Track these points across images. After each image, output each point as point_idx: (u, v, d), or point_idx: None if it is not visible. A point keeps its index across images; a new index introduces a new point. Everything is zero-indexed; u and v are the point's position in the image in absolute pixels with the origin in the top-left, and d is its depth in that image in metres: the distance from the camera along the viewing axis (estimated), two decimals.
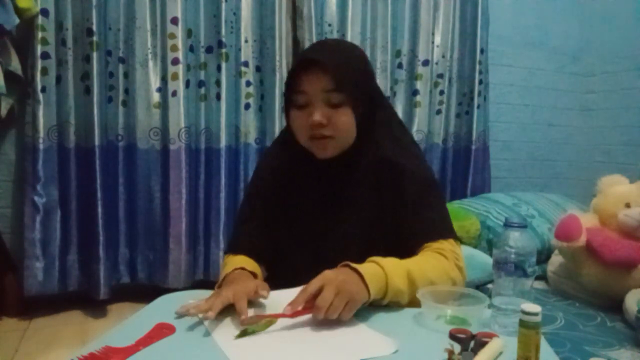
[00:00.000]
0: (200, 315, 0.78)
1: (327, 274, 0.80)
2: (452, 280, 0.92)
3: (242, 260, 1.00)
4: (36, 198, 1.98)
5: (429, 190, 0.99)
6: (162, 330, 0.75)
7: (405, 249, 0.95)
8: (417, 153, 1.06)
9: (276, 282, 0.95)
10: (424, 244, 0.96)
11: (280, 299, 0.83)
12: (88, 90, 2.04)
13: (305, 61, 0.94)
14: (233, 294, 0.81)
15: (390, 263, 0.88)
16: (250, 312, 0.80)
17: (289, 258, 1.03)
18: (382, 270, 0.85)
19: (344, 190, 1.00)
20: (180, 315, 0.82)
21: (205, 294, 0.89)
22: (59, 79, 2.02)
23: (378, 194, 0.99)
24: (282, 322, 0.79)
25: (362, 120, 0.96)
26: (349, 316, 0.78)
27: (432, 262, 0.93)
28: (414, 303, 0.88)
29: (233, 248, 1.06)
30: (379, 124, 1.01)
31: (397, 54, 2.60)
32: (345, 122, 0.94)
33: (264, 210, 1.06)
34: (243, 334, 0.74)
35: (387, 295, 0.85)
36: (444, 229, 0.98)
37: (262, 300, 0.84)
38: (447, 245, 0.96)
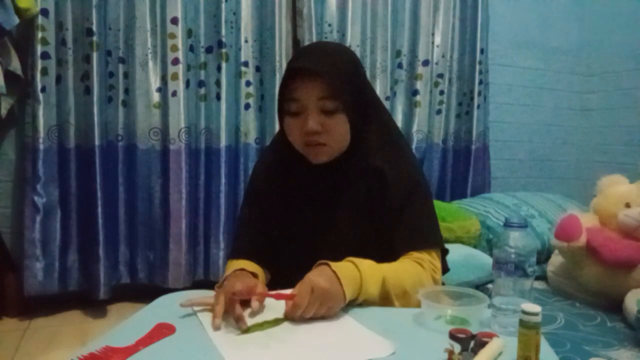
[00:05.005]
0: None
1: (312, 283, 0.80)
2: None
3: (243, 263, 1.01)
4: (36, 198, 1.98)
5: (413, 198, 0.99)
6: (162, 330, 0.76)
7: (392, 253, 0.96)
8: (408, 157, 1.05)
9: (271, 282, 0.95)
10: (405, 253, 0.97)
11: (275, 300, 0.84)
12: (88, 90, 2.04)
13: (298, 69, 0.93)
14: (227, 298, 0.81)
15: (368, 268, 0.89)
16: (247, 315, 0.80)
17: (284, 260, 1.03)
18: (359, 274, 0.86)
19: (337, 193, 1.01)
20: (183, 310, 0.83)
21: (205, 294, 0.89)
22: (59, 79, 2.02)
23: (368, 198, 0.99)
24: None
25: (356, 125, 0.96)
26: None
27: (409, 270, 0.94)
28: (406, 301, 0.89)
29: (235, 253, 1.07)
30: (372, 127, 1.01)
31: (397, 54, 2.60)
32: (339, 129, 0.94)
33: (262, 213, 1.06)
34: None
35: (358, 299, 0.87)
36: (425, 240, 0.99)
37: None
38: (426, 256, 0.97)
